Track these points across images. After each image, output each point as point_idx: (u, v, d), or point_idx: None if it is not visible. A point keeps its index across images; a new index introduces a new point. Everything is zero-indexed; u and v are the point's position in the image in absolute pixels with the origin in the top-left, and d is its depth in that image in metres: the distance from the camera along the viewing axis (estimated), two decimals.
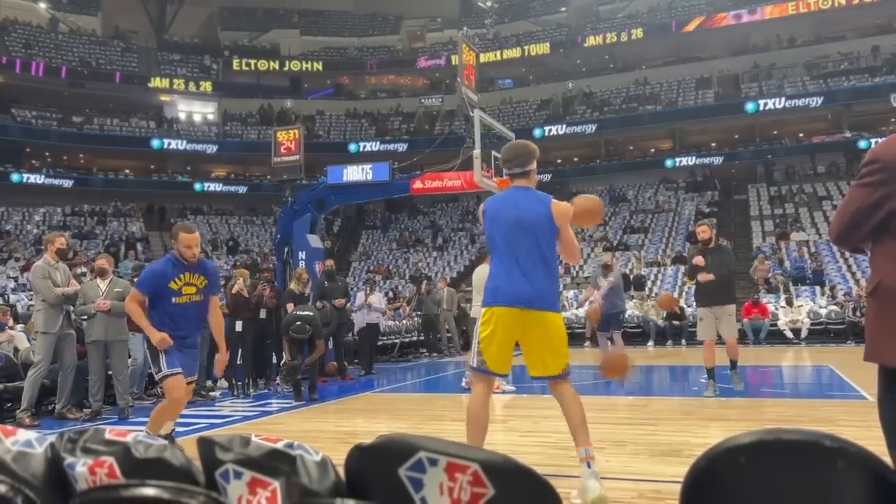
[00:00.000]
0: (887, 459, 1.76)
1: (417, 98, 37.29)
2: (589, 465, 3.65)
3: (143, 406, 8.34)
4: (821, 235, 22.44)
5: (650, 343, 16.72)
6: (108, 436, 1.22)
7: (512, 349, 3.85)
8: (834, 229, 2.23)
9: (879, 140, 2.47)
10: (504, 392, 8.26)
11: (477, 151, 10.69)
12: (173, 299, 4.86)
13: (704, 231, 8.00)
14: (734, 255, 9.24)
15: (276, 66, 36.87)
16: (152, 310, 4.89)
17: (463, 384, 8.95)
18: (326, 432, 6.35)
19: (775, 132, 31.14)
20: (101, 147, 31.87)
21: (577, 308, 18.25)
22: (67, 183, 30.60)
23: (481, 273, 8.33)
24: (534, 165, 3.99)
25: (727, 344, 7.85)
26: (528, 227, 3.79)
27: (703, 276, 7.69)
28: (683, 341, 16.46)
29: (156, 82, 34.10)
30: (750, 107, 29.14)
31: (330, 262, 11.82)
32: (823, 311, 16.81)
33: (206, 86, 35.32)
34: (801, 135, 30.35)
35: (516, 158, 3.98)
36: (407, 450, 1.07)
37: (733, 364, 7.91)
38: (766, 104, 28.90)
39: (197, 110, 35.93)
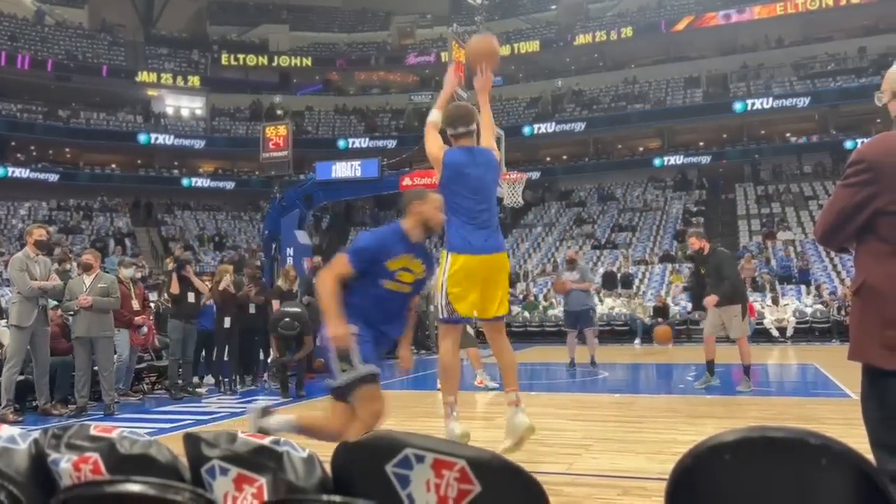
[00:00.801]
0: (870, 457, 1.78)
1: (407, 95, 37.19)
2: (517, 406, 4.07)
3: (128, 402, 8.29)
4: (807, 235, 22.57)
5: (637, 341, 16.77)
6: (93, 432, 1.21)
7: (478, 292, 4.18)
8: (819, 229, 2.25)
9: (866, 140, 2.50)
10: (488, 389, 8.27)
11: None
12: (383, 282, 3.57)
13: (694, 242, 8.00)
14: (733, 256, 9.27)
15: (265, 62, 36.63)
16: (347, 291, 3.58)
17: (476, 383, 8.55)
18: None
19: (763, 132, 31.34)
20: (87, 141, 31.64)
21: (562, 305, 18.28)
22: (53, 177, 30.34)
23: None
24: (475, 125, 4.29)
25: (738, 346, 7.79)
26: (489, 185, 4.24)
27: (709, 301, 7.70)
28: None
29: (143, 76, 33.81)
30: (738, 106, 29.30)
31: (318, 259, 11.77)
32: (809, 310, 16.94)
33: (194, 80, 35.05)
34: (788, 135, 30.57)
35: (461, 118, 4.21)
36: (394, 446, 1.07)
37: (745, 369, 7.78)
38: (753, 104, 29.07)
39: (185, 105, 35.65)
